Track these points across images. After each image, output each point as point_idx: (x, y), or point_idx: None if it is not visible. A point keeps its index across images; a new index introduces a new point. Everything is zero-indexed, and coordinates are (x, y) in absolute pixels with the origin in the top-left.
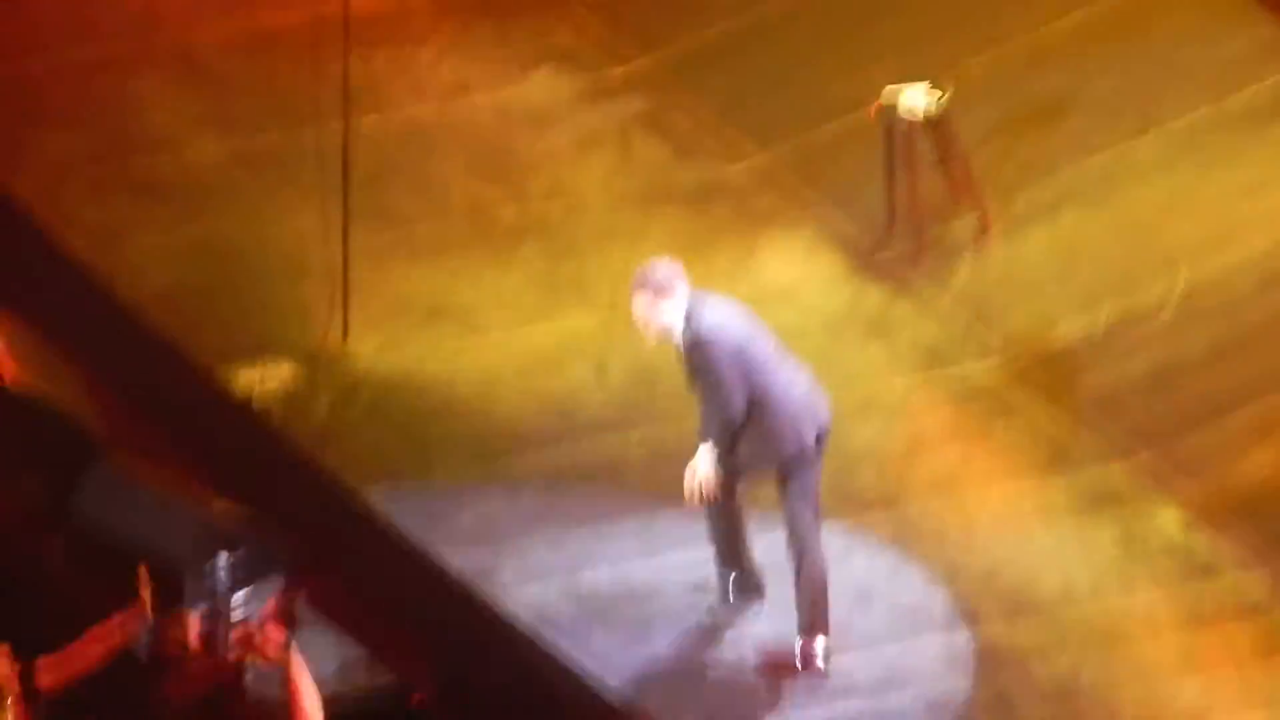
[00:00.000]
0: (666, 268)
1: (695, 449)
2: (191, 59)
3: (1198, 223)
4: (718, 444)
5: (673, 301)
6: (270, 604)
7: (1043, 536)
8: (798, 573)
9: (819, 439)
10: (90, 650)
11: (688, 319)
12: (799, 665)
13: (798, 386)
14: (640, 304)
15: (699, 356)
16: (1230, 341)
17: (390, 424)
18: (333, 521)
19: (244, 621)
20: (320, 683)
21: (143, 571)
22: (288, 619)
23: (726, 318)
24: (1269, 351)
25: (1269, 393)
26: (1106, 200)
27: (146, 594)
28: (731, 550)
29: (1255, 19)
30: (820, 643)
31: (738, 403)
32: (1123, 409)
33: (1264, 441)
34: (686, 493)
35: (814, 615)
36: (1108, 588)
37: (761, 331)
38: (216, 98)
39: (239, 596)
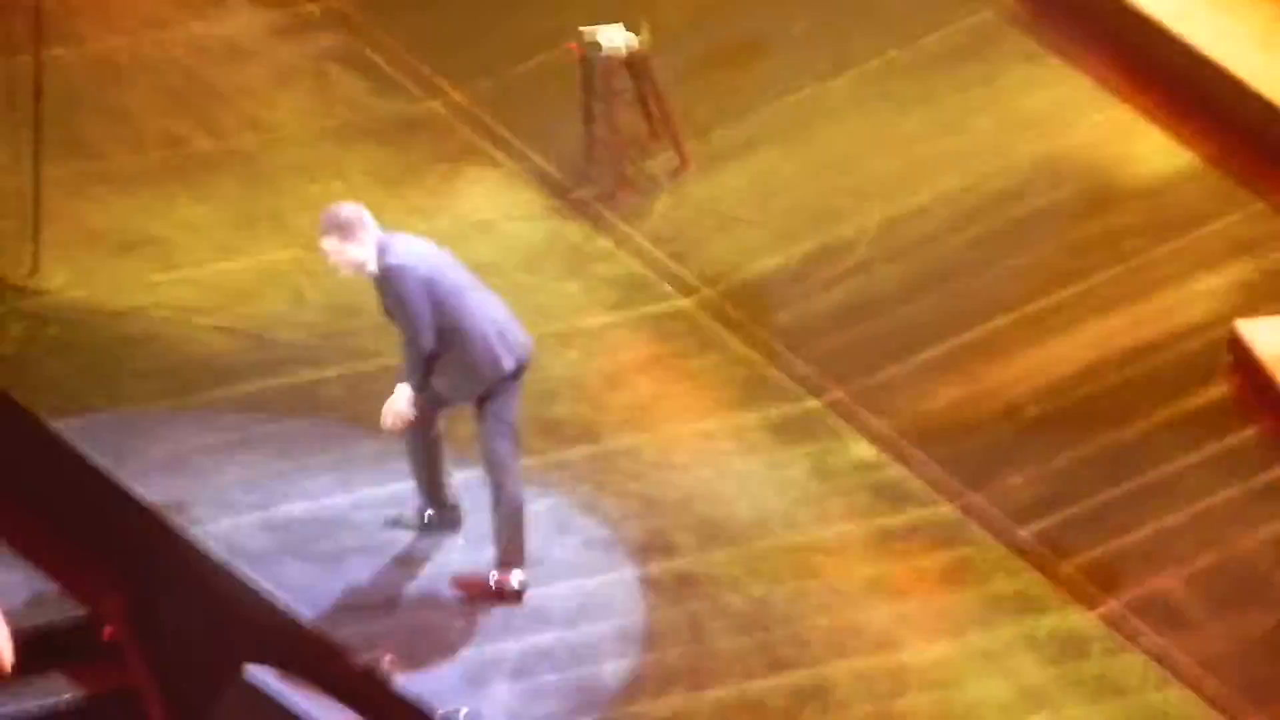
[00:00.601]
0: (350, 210)
1: (393, 382)
2: None
3: (891, 162)
4: (413, 375)
5: (358, 241)
6: None
7: (737, 469)
8: (495, 504)
9: (517, 371)
10: None
11: (379, 255)
12: (495, 596)
13: (493, 319)
14: (328, 246)
15: (390, 291)
16: (922, 279)
17: (81, 356)
18: (21, 453)
19: None
20: (10, 615)
21: None
22: None
23: (415, 253)
24: (959, 289)
25: (959, 329)
26: (802, 139)
27: None
28: (430, 482)
29: None
30: (516, 574)
31: (428, 334)
32: (816, 344)
33: (953, 377)
34: (384, 425)
35: (510, 546)
36: (800, 519)
37: (453, 265)
38: None
39: None
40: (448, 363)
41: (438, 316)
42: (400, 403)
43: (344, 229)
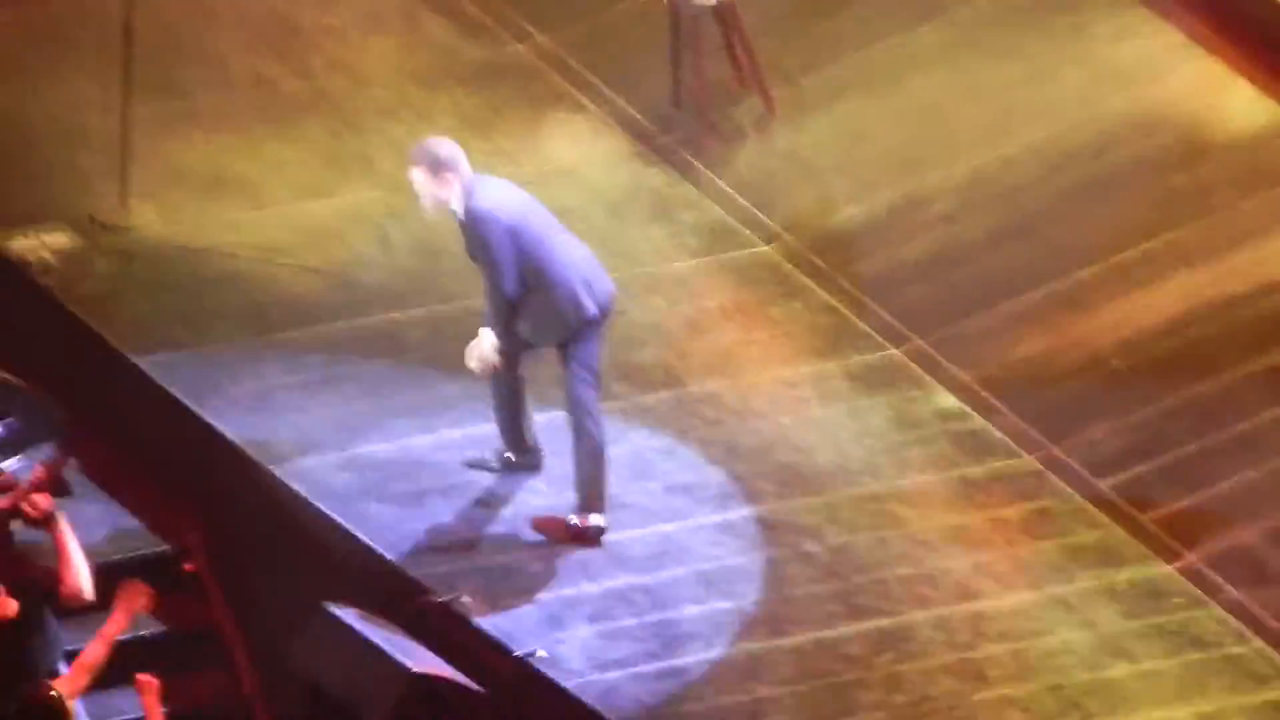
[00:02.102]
0: (445, 148)
1: (476, 325)
2: None
3: (979, 111)
4: (497, 320)
5: (445, 181)
6: (37, 470)
7: (818, 417)
8: (576, 447)
9: (600, 316)
10: None
11: (466, 197)
12: (574, 538)
13: (577, 263)
14: (417, 178)
15: (475, 234)
16: (1007, 229)
17: (167, 294)
18: (107, 390)
19: (10, 488)
20: (92, 550)
21: None
22: (55, 486)
23: (501, 197)
24: (1045, 240)
25: (1044, 280)
26: (888, 87)
27: None
28: (512, 425)
29: None
30: (595, 517)
31: (511, 280)
32: (900, 293)
33: (1037, 328)
34: (469, 367)
35: (590, 490)
36: (880, 468)
37: (538, 210)
38: None
39: (9, 464)
40: (531, 307)
41: (521, 262)
42: (484, 347)
43: (435, 165)
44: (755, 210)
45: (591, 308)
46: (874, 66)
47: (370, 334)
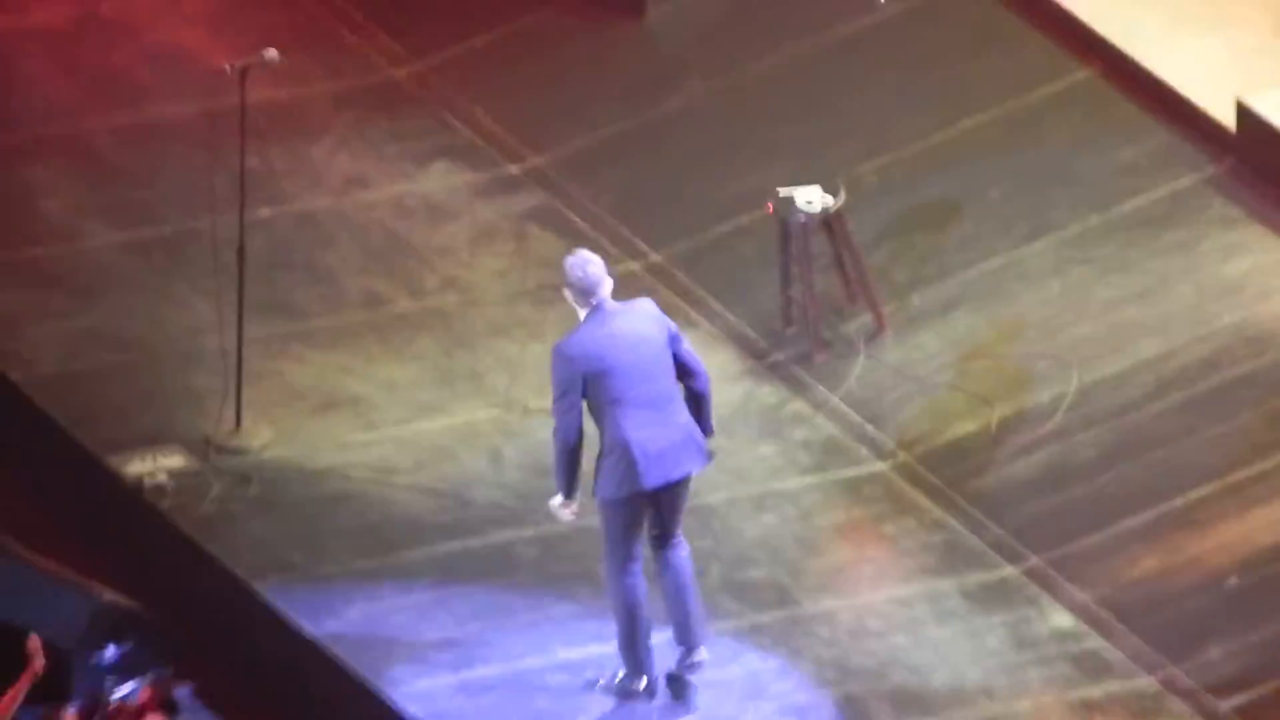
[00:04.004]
0: (586, 272)
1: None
2: (88, 149)
3: (1090, 327)
4: (557, 461)
5: (575, 294)
6: (148, 691)
7: (934, 636)
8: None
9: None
10: None
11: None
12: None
13: (649, 435)
14: (568, 279)
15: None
16: (1121, 447)
17: (282, 516)
18: (221, 613)
19: (121, 708)
20: None
21: (35, 641)
22: (166, 707)
23: (591, 336)
24: (1158, 458)
25: (1159, 498)
26: (999, 303)
27: (40, 663)
28: (629, 639)
29: (1146, 128)
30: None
31: (560, 419)
32: (1014, 511)
33: (1153, 547)
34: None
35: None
36: (998, 689)
37: (630, 367)
38: (112, 188)
39: (126, 688)
40: (606, 460)
41: (580, 407)
42: (552, 503)
43: (576, 290)
44: (867, 426)
45: (649, 480)
46: (984, 281)
47: (483, 553)
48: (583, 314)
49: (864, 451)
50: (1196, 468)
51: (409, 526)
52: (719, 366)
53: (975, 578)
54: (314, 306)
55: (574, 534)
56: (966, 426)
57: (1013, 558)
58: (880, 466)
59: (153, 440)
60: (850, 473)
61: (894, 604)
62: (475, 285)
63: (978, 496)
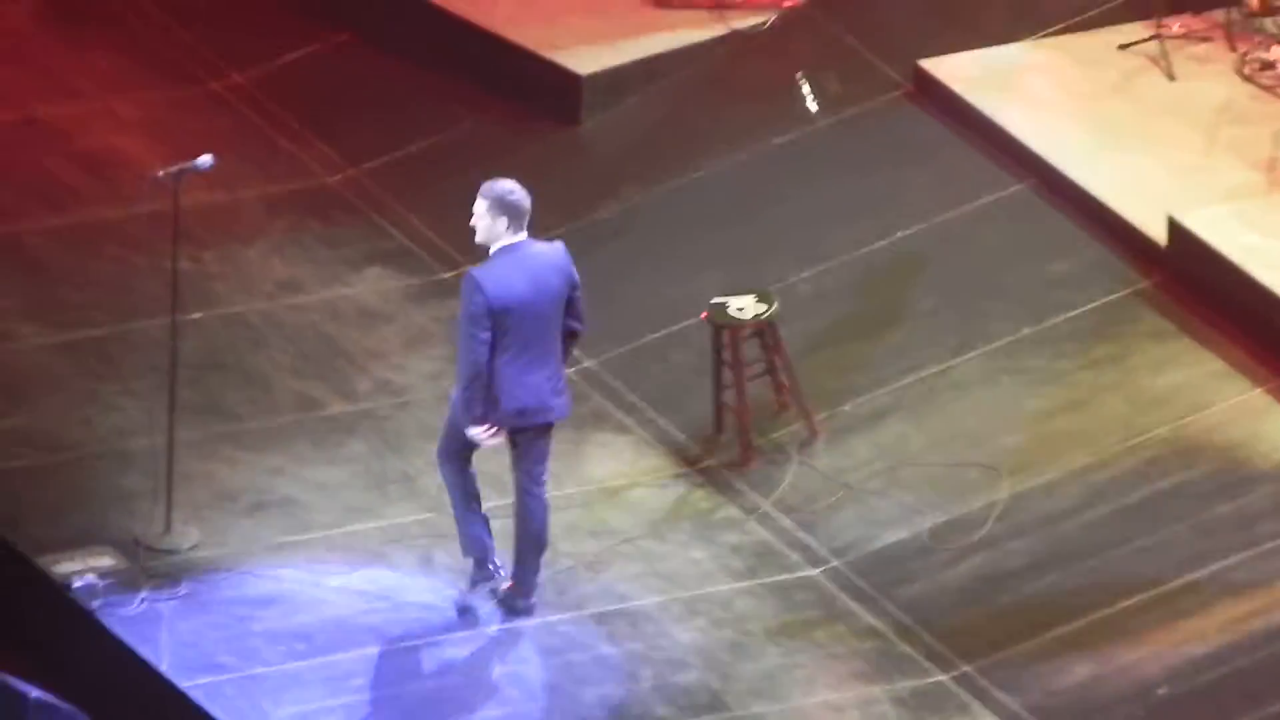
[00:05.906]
0: (521, 202)
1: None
2: (19, 250)
3: (1021, 437)
4: (468, 388)
5: (495, 228)
6: None
7: None
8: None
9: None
10: None
11: (492, 252)
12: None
13: (524, 382)
14: (478, 209)
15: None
16: (1051, 555)
17: (212, 616)
18: (150, 714)
19: None
20: None
21: None
22: None
23: (506, 272)
24: (1088, 567)
25: (1089, 608)
26: (930, 412)
27: None
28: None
29: (1078, 242)
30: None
31: (466, 357)
32: (945, 618)
33: (1083, 655)
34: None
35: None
36: None
37: (539, 312)
38: (44, 289)
39: None
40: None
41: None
42: (470, 433)
43: (502, 208)
44: (799, 532)
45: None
46: (915, 390)
47: (414, 655)
48: (494, 247)
49: (796, 557)
50: (1127, 577)
51: (339, 628)
52: (651, 471)
53: (907, 684)
54: (246, 409)
55: (503, 639)
56: (898, 534)
57: (944, 665)
58: (812, 572)
59: (83, 540)
60: (782, 578)
61: (826, 709)
62: (407, 388)
63: (909, 603)
